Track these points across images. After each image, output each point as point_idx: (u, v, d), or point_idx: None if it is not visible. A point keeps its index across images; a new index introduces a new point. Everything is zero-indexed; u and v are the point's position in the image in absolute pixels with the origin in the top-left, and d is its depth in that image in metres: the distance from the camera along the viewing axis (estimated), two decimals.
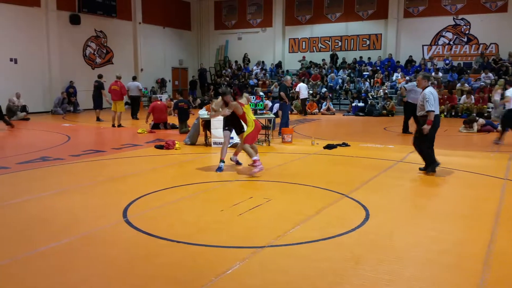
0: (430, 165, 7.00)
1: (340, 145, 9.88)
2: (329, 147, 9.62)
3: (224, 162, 7.45)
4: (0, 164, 7.75)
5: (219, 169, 7.29)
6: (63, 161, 8.14)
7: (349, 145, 9.92)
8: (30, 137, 12.29)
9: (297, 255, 3.84)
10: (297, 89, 18.83)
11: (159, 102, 13.41)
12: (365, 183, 6.48)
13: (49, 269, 3.56)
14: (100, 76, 16.20)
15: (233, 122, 7.48)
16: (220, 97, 7.39)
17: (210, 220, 4.78)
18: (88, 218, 4.84)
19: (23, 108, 16.56)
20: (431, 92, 6.81)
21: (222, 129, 7.62)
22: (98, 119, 15.64)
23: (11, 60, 17.65)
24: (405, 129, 12.09)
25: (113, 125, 13.79)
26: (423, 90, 6.95)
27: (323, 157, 8.75)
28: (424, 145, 6.96)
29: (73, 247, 3.98)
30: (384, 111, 18.08)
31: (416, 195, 6.06)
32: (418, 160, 7.78)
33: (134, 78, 18.02)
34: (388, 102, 18.39)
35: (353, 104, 19.44)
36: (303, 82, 22.57)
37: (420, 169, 7.21)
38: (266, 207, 5.25)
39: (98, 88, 15.66)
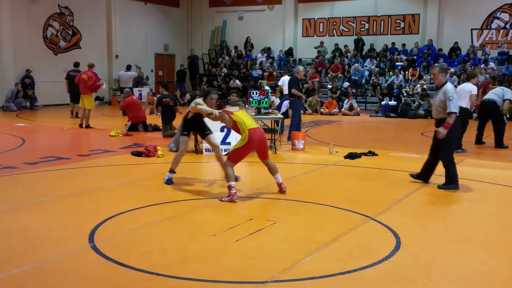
0: (450, 182, 7.21)
1: (365, 154, 9.89)
2: (351, 156, 9.63)
3: (174, 172, 7.40)
4: None
5: (169, 181, 7.30)
6: (16, 170, 8.17)
7: (376, 155, 9.93)
8: None
9: None
10: (280, 83, 18.23)
11: (134, 97, 13.46)
12: (396, 203, 6.47)
13: None
14: (76, 65, 16.23)
15: (194, 125, 7.51)
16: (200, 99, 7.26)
17: (199, 247, 4.78)
18: (45, 242, 4.85)
19: None
20: (453, 90, 7.08)
21: (180, 134, 7.55)
22: (76, 115, 16.07)
23: None
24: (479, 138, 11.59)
25: (80, 125, 13.85)
26: (440, 86, 7.21)
27: (344, 169, 8.76)
28: (445, 154, 7.19)
29: (24, 279, 3.99)
30: (422, 112, 18.10)
31: (460, 219, 6.04)
32: (465, 174, 7.76)
33: (129, 68, 18.18)
34: (426, 101, 18.41)
35: (383, 103, 19.48)
36: (319, 74, 22.68)
37: (411, 175, 7.60)
38: (270, 231, 5.26)
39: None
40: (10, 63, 19.39)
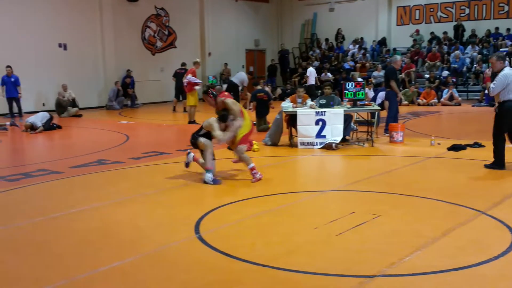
0: (496, 163, 7.66)
1: (470, 145, 9.45)
2: (455, 148, 9.23)
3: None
4: (52, 168, 8.45)
5: (216, 181, 7.03)
6: (123, 164, 8.66)
7: (483, 146, 9.42)
8: (83, 136, 13.28)
9: None
10: (307, 74, 20.53)
11: (226, 93, 13.72)
12: (510, 197, 6.11)
13: None
14: (183, 64, 18.47)
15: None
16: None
17: (301, 240, 4.80)
18: (155, 233, 5.10)
19: (74, 103, 17.85)
20: (504, 75, 7.37)
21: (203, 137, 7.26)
22: (184, 110, 17.17)
23: (59, 46, 19.15)
24: None
25: (189, 122, 14.34)
26: (498, 72, 7.53)
27: (448, 162, 8.41)
28: (497, 136, 7.65)
29: (139, 267, 4.21)
30: None
31: None
32: None
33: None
34: None
35: (487, 92, 18.39)
36: (415, 63, 21.91)
37: (485, 166, 7.78)
38: (374, 225, 5.16)
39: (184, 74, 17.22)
40: (112, 64, 20.53)
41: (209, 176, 7.02)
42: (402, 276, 3.92)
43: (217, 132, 7.05)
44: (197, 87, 14.64)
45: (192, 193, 6.69)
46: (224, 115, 7.22)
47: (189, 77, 14.31)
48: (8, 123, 14.07)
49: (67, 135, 13.35)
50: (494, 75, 7.71)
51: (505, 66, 7.53)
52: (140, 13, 21.66)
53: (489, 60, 8.15)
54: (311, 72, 20.67)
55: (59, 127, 13.84)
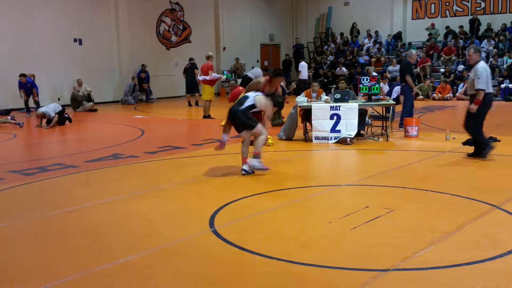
0: (482, 151, 7.84)
1: None
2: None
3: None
4: (68, 162, 8.55)
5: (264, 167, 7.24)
6: (138, 159, 8.73)
7: (498, 140, 9.34)
8: (98, 131, 13.39)
9: (434, 283, 3.71)
10: (299, 68, 21.32)
11: (241, 88, 13.76)
12: None
13: (128, 286, 3.84)
14: (191, 59, 18.57)
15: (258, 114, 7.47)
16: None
17: (316, 234, 4.81)
18: (169, 226, 5.15)
19: (89, 97, 17.99)
20: (484, 69, 7.60)
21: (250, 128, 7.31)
22: (196, 103, 17.68)
23: (75, 40, 19.30)
24: None
25: (204, 116, 14.38)
26: (474, 65, 7.79)
27: (463, 157, 8.33)
28: (473, 127, 7.89)
29: (154, 261, 4.25)
30: None
31: None
32: None
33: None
34: None
35: (503, 86, 18.25)
36: (431, 57, 21.73)
37: (468, 155, 8.10)
38: (388, 219, 5.15)
39: (192, 69, 17.63)
40: (128, 59, 20.65)
41: (258, 161, 7.22)
42: (416, 270, 3.92)
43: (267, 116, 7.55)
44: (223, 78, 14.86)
45: (207, 187, 6.72)
46: (280, 102, 7.57)
47: (214, 75, 14.40)
48: (9, 117, 14.15)
49: (82, 129, 13.50)
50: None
51: (480, 60, 7.86)
52: (155, 8, 21.74)
53: (467, 52, 8.57)
54: (303, 66, 21.17)
55: (69, 119, 13.90)
